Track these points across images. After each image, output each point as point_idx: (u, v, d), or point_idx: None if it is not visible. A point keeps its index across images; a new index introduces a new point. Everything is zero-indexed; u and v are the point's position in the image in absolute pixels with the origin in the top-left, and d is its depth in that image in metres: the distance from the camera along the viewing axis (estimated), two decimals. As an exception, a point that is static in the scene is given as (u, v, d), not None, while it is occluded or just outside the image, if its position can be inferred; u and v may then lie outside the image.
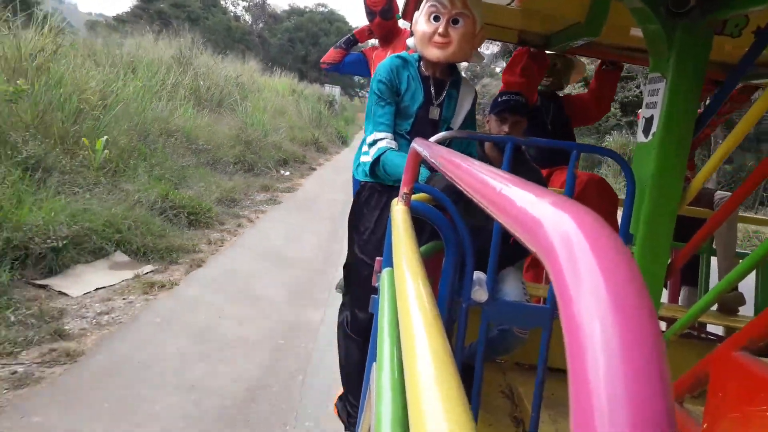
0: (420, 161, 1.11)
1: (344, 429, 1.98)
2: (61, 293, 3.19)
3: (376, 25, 3.06)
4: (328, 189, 8.21)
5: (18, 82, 4.56)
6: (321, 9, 44.60)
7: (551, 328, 1.55)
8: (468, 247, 1.46)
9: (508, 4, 2.05)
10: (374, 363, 0.88)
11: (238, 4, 40.99)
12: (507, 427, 1.86)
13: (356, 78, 41.19)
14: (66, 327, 2.81)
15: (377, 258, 1.41)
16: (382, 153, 1.67)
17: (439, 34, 1.69)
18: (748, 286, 2.40)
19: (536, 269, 2.77)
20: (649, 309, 0.19)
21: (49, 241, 3.34)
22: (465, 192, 0.51)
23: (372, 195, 1.86)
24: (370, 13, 3.03)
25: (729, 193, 2.79)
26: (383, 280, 1.06)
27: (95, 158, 4.80)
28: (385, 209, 1.79)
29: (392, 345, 0.72)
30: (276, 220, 5.80)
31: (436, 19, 1.70)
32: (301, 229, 5.65)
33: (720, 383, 1.07)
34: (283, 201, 6.92)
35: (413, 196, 1.25)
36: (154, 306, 3.25)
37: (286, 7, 48.86)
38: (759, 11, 1.39)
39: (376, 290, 1.32)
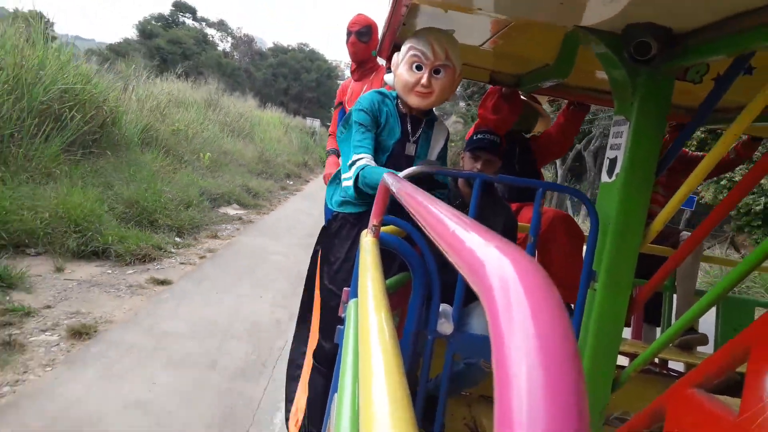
0: (389, 195, 1.11)
1: None
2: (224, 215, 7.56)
3: (350, 44, 3.17)
4: (321, 190, 12.81)
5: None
6: (303, 47, 49.90)
7: None
8: (435, 280, 1.48)
9: (481, 46, 2.09)
10: (335, 394, 0.90)
11: (227, 41, 45.92)
12: None
13: (332, 110, 45.25)
14: (218, 232, 6.76)
15: (345, 288, 1.43)
16: (362, 168, 1.69)
17: (422, 85, 1.74)
18: (706, 328, 2.50)
19: None
20: (573, 354, 0.21)
21: (210, 195, 7.73)
22: (423, 229, 0.53)
23: (343, 226, 1.89)
24: (348, 33, 3.16)
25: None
26: (349, 311, 1.07)
27: (205, 162, 9.21)
28: (356, 240, 1.81)
29: (354, 376, 0.73)
30: (295, 202, 10.38)
31: (419, 68, 1.74)
32: (310, 205, 9.77)
33: (676, 419, 1.10)
34: (295, 195, 11.40)
35: (383, 228, 1.26)
36: (258, 223, 7.53)
37: (271, 45, 54.05)
38: (717, 60, 1.46)
39: (342, 321, 1.32)
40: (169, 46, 37.45)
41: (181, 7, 44.99)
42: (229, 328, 3.48)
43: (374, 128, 1.81)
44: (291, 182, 13.51)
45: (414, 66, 1.74)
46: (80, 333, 2.98)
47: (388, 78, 1.89)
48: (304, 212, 8.98)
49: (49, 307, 3.28)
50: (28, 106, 5.27)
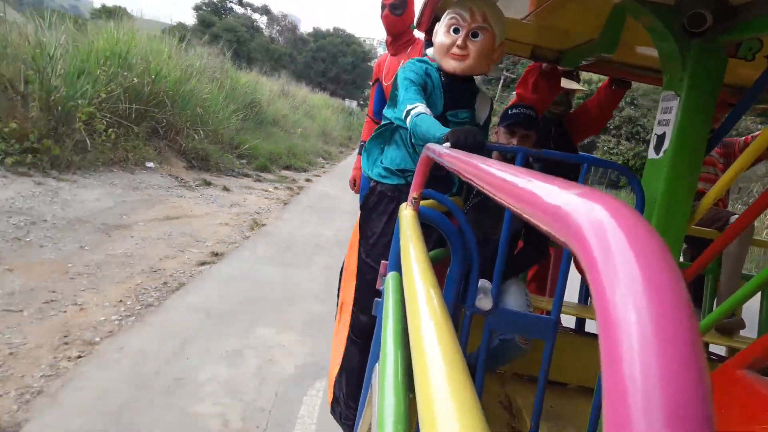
0: (430, 166, 1.11)
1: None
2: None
3: (384, 17, 3.08)
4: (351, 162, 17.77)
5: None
6: (340, 32, 55.89)
7: (554, 342, 1.55)
8: (474, 255, 1.47)
9: (523, 19, 2.04)
10: (377, 364, 0.90)
11: (273, 27, 52.15)
12: None
13: (367, 92, 52.71)
14: (297, 181, 13.05)
15: (383, 261, 1.44)
16: (417, 116, 1.60)
17: (457, 46, 1.70)
18: (752, 311, 2.44)
19: (539, 281, 2.84)
20: (686, 302, 0.19)
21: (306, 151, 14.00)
22: (486, 191, 0.49)
23: (381, 200, 1.88)
24: (382, 6, 3.08)
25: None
26: (388, 284, 1.09)
27: (298, 134, 15.56)
28: (393, 215, 1.82)
29: (396, 347, 0.74)
30: (349, 159, 16.44)
31: (456, 31, 1.70)
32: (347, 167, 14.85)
33: (723, 401, 1.08)
34: (348, 156, 17.76)
35: (422, 202, 1.25)
36: (336, 166, 13.98)
37: (310, 29, 60.07)
38: None
39: (379, 293, 1.33)
40: (225, 33, 44.05)
41: (228, -7, 51.42)
42: (334, 193, 9.62)
43: (422, 87, 1.74)
44: (342, 149, 19.85)
45: (451, 29, 1.71)
46: (294, 187, 9.36)
47: (429, 51, 1.85)
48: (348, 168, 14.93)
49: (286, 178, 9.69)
50: (234, 100, 11.60)
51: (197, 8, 48.34)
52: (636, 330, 0.18)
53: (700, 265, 2.06)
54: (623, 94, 2.85)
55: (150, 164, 7.04)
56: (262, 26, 50.78)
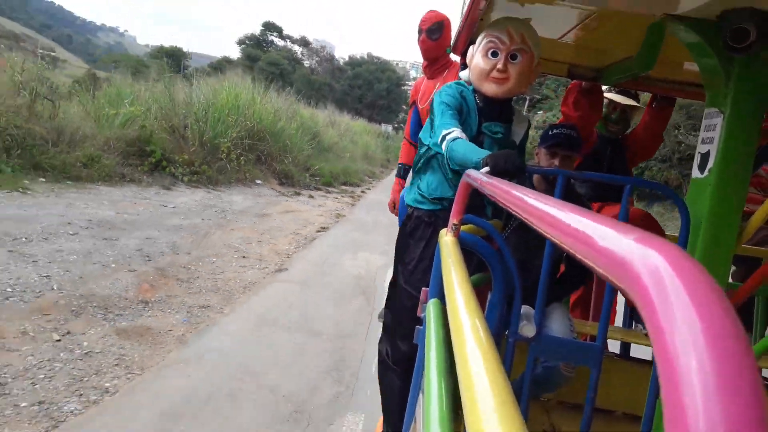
0: (470, 192, 1.11)
1: None
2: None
3: (421, 42, 3.11)
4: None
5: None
6: (375, 59, 60.16)
7: (600, 368, 1.55)
8: (516, 280, 1.48)
9: (559, 38, 2.07)
10: (420, 393, 0.91)
11: (313, 58, 56.78)
12: None
13: (401, 116, 56.83)
14: (355, 193, 16.36)
15: (423, 288, 1.43)
16: (453, 141, 1.60)
17: (498, 70, 1.71)
18: None
19: (583, 306, 2.81)
20: (747, 348, 0.19)
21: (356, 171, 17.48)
22: (535, 227, 0.48)
23: (418, 226, 1.90)
24: (419, 31, 3.12)
25: None
26: (429, 311, 1.09)
27: (347, 157, 19.04)
28: (431, 240, 1.82)
29: (440, 377, 0.74)
30: (389, 177, 19.86)
31: (494, 54, 1.71)
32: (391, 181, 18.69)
33: None
34: (389, 174, 21.13)
35: (462, 227, 1.26)
36: (379, 182, 17.52)
37: (345, 56, 64.55)
38: None
39: (420, 321, 1.34)
40: (268, 67, 48.52)
41: (269, 27, 56.22)
42: (382, 200, 12.72)
43: (458, 112, 1.75)
44: (382, 169, 23.25)
45: (490, 53, 1.72)
46: (354, 196, 12.69)
47: (464, 74, 1.86)
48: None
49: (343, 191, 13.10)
50: (304, 133, 15.15)
51: (241, 42, 53.19)
52: (698, 386, 0.18)
53: (751, 286, 2.00)
54: (669, 112, 2.83)
55: (258, 181, 10.49)
56: (302, 58, 55.26)
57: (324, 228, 7.72)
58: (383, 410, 2.05)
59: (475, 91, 1.83)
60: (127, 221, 5.66)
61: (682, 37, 1.49)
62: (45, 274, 3.71)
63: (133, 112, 8.33)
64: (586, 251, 0.32)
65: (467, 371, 0.51)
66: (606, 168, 2.78)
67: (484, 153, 1.45)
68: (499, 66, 1.72)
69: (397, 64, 66.70)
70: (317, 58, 55.99)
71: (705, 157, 1.53)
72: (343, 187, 13.50)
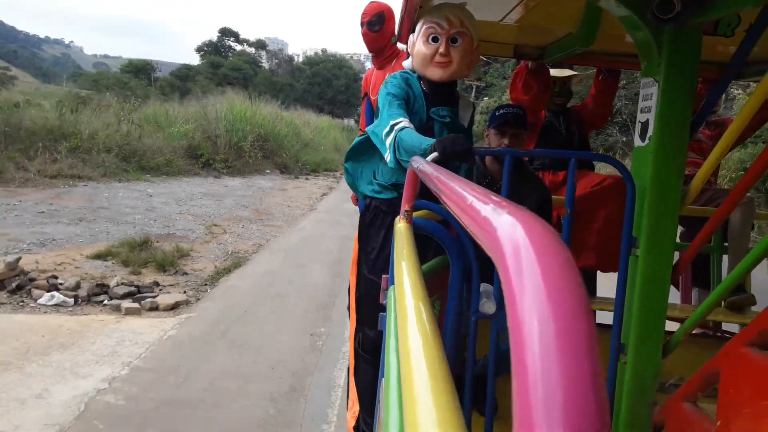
0: (418, 179, 1.13)
1: None
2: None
3: (363, 35, 3.18)
4: None
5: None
6: (331, 57, 64.46)
7: None
8: (473, 260, 1.52)
9: (501, 20, 2.14)
10: (383, 379, 0.95)
11: (272, 61, 60.71)
12: None
13: (360, 109, 59.63)
14: (335, 175, 20.97)
15: (384, 276, 1.50)
16: (401, 130, 1.68)
17: (441, 54, 1.79)
18: (763, 289, 2.61)
19: None
20: (585, 311, 0.21)
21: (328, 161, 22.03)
22: (445, 205, 0.55)
23: (377, 215, 1.98)
24: (361, 24, 3.18)
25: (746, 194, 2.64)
26: (390, 298, 1.12)
27: (322, 149, 23.52)
28: (391, 228, 1.83)
29: (397, 361, 0.74)
30: None
31: (435, 39, 1.80)
32: None
33: (731, 380, 1.11)
34: None
35: (416, 213, 1.29)
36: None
37: (300, 54, 68.69)
38: (748, 10, 1.46)
39: (384, 308, 1.36)
40: (231, 72, 52.20)
41: (225, 33, 59.83)
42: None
43: (404, 102, 1.82)
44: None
45: (430, 38, 1.80)
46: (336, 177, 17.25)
47: (407, 63, 1.95)
48: None
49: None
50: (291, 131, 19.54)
51: (199, 49, 56.80)
52: (537, 336, 0.20)
53: (699, 242, 2.04)
54: (615, 83, 3.01)
55: (267, 171, 14.95)
56: (262, 61, 59.28)
57: (324, 194, 12.33)
58: (358, 396, 2.13)
59: (419, 78, 1.92)
60: (217, 193, 10.15)
61: (615, 11, 1.55)
62: (204, 213, 8.22)
63: (187, 129, 12.76)
64: (473, 225, 0.36)
65: (407, 355, 0.53)
66: (564, 136, 2.90)
67: (430, 140, 1.55)
68: (441, 50, 1.80)
69: (351, 57, 70.99)
70: (276, 60, 60.10)
71: (645, 125, 1.59)
72: (326, 173, 18.00)
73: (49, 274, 4.61)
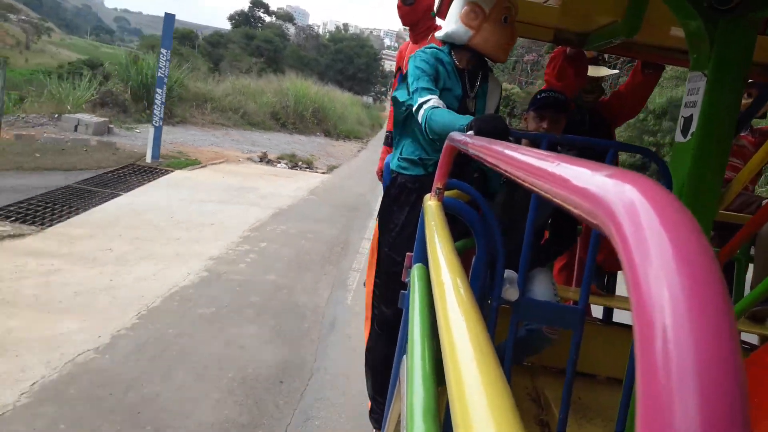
0: (454, 155, 1.15)
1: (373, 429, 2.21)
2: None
3: (398, 8, 3.20)
4: (384, 135, 34.22)
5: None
6: (354, 36, 71.67)
7: (582, 331, 1.62)
8: (500, 245, 1.55)
9: (545, 2, 2.14)
10: (404, 357, 0.95)
11: (300, 36, 67.81)
12: (533, 430, 1.97)
13: (378, 87, 69.43)
14: (363, 140, 28.51)
15: (408, 254, 1.50)
16: (431, 110, 1.71)
17: (512, 37, 1.83)
18: None
19: (568, 272, 3.00)
20: (719, 280, 0.19)
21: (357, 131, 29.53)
22: (514, 177, 0.51)
23: (402, 192, 2.01)
24: None
25: None
26: (414, 276, 1.14)
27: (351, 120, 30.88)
28: (415, 206, 1.92)
29: (424, 339, 0.79)
30: (379, 135, 31.27)
31: (506, 20, 1.81)
32: (383, 138, 31.05)
33: (755, 389, 1.11)
34: (375, 137, 32.86)
35: (446, 192, 1.30)
36: (373, 138, 29.16)
37: (320, 24, 75.53)
38: None
39: (404, 286, 1.40)
40: (264, 44, 59.27)
41: (256, 3, 66.84)
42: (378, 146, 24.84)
43: (434, 76, 1.83)
44: (371, 130, 35.26)
45: (504, 18, 1.80)
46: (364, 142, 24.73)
47: (440, 35, 1.95)
48: (383, 138, 30.24)
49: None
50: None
51: (231, 18, 63.94)
52: (669, 311, 0.19)
53: (730, 249, 2.03)
54: (656, 78, 2.96)
55: (318, 134, 22.52)
56: (290, 35, 66.67)
57: (360, 150, 19.85)
58: (371, 375, 2.20)
59: (451, 51, 1.93)
60: (298, 141, 17.66)
61: None
62: (303, 149, 15.73)
63: (272, 100, 20.24)
64: (564, 194, 0.33)
65: (450, 334, 0.53)
66: (588, 133, 2.88)
67: (466, 118, 1.56)
68: (513, 32, 1.83)
69: (371, 32, 77.67)
70: (304, 35, 67.52)
71: (688, 121, 1.58)
72: (355, 139, 25.42)
73: (266, 157, 12.13)
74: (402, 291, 1.50)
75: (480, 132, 1.44)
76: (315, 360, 3.31)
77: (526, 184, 0.46)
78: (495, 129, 1.46)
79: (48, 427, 2.37)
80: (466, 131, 1.49)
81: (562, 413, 1.66)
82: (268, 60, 49.06)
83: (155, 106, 9.17)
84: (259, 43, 59.49)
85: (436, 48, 1.98)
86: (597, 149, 2.34)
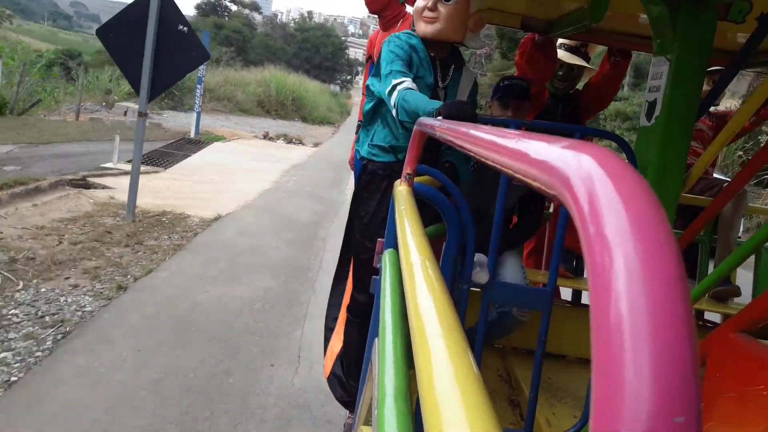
0: (424, 140, 1.18)
1: (343, 408, 2.32)
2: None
3: None
4: (353, 121, 34.72)
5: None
6: (321, 25, 75.38)
7: (550, 312, 1.68)
8: (470, 229, 1.58)
9: None
10: (376, 339, 0.98)
11: (267, 26, 71.19)
12: (504, 410, 2.04)
13: (344, 76, 73.36)
14: (335, 125, 32.69)
15: (379, 240, 1.56)
16: (405, 91, 1.76)
17: (428, 8, 1.89)
18: (747, 280, 2.85)
19: (536, 255, 3.11)
20: (672, 245, 0.20)
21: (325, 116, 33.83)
22: (477, 156, 0.54)
23: (373, 179, 2.07)
24: None
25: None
26: (385, 261, 1.17)
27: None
28: (387, 193, 1.96)
29: (395, 323, 0.81)
30: (350, 120, 34.43)
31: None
32: (353, 124, 32.56)
33: (718, 364, 1.18)
34: (347, 119, 36.15)
35: (415, 178, 1.34)
36: (344, 123, 33.14)
37: (283, 11, 78.89)
38: None
39: (376, 272, 1.41)
40: (233, 34, 62.25)
41: (221, -8, 70.00)
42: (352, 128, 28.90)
43: (407, 61, 1.88)
44: (341, 117, 39.30)
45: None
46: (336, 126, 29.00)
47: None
48: (352, 126, 31.39)
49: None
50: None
51: (198, 7, 66.65)
52: (624, 278, 0.19)
53: (692, 231, 2.12)
54: (625, 66, 3.05)
55: (297, 119, 26.66)
56: (257, 24, 69.80)
57: (333, 132, 24.03)
58: (344, 359, 2.28)
59: (424, 40, 1.99)
60: (282, 125, 21.76)
61: None
62: (288, 132, 19.92)
63: (257, 91, 24.26)
64: (523, 167, 0.34)
65: (419, 316, 0.54)
66: (560, 121, 2.97)
67: (436, 103, 1.61)
68: (429, 5, 1.89)
69: (335, 19, 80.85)
70: (271, 25, 70.92)
71: (652, 105, 1.64)
72: (328, 124, 29.50)
73: (268, 135, 16.27)
74: (374, 276, 1.54)
75: (448, 117, 1.48)
76: (336, 215, 7.56)
77: (490, 162, 0.49)
78: (463, 115, 1.51)
79: (255, 217, 6.62)
80: (435, 116, 1.53)
81: (532, 393, 1.68)
82: (237, 49, 51.83)
83: (196, 97, 13.26)
84: (228, 33, 62.04)
85: (410, 34, 2.04)
86: (563, 134, 2.36)
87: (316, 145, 17.30)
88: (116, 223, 5.65)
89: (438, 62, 2.05)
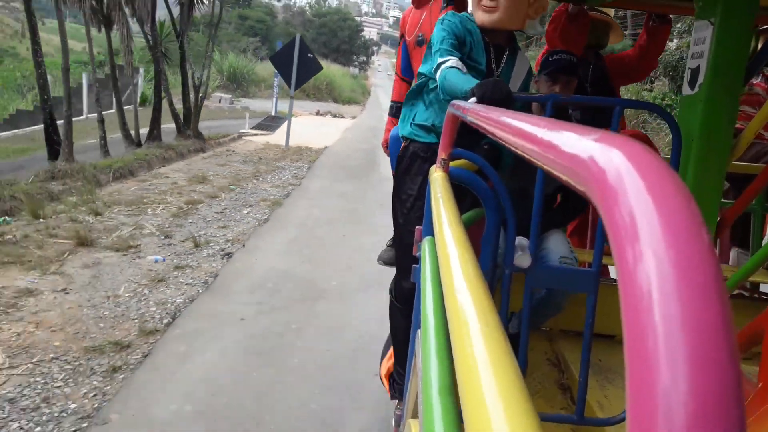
0: (458, 124, 1.16)
1: (390, 399, 2.36)
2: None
3: None
4: (377, 98, 38.41)
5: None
6: (338, 9, 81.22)
7: (597, 294, 1.66)
8: (509, 212, 1.58)
9: None
10: (419, 330, 0.98)
11: (288, 13, 77.44)
12: (554, 394, 2.04)
13: (361, 58, 78.76)
14: (361, 104, 39.28)
15: (417, 227, 1.55)
16: (448, 69, 1.75)
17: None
18: None
19: (579, 236, 3.10)
20: (708, 245, 0.19)
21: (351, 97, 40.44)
22: (507, 144, 0.54)
23: (413, 162, 2.07)
24: None
25: None
26: (424, 249, 1.18)
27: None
28: (428, 175, 1.89)
29: (436, 312, 0.82)
30: (373, 100, 40.54)
31: None
32: (375, 102, 37.77)
33: None
34: (370, 99, 42.68)
35: (452, 162, 1.33)
36: (368, 101, 39.35)
37: (307, 8, 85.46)
38: None
39: (417, 260, 1.40)
40: (257, 24, 68.45)
41: (241, -16, 76.05)
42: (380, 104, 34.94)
43: (459, 42, 1.87)
44: (363, 97, 45.71)
45: None
46: (362, 104, 35.63)
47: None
48: (375, 104, 34.66)
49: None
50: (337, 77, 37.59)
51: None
52: (655, 280, 0.19)
53: (744, 200, 2.06)
54: (666, 32, 2.98)
55: (330, 101, 33.32)
56: (277, 12, 75.96)
57: (362, 110, 30.73)
58: (393, 347, 2.31)
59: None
60: (321, 106, 28.38)
61: None
62: (329, 109, 26.50)
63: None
64: (553, 160, 0.34)
65: (456, 307, 0.55)
66: (589, 88, 2.89)
67: (472, 82, 1.58)
68: None
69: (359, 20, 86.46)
70: (291, 13, 77.32)
71: (695, 72, 1.60)
72: (355, 103, 36.06)
73: (320, 112, 22.95)
74: (414, 265, 1.55)
75: (482, 98, 1.46)
76: (380, 163, 14.06)
77: (518, 151, 0.48)
78: (497, 95, 1.48)
79: (339, 148, 13.60)
80: (469, 97, 1.52)
81: (582, 376, 1.67)
82: (261, 39, 57.41)
83: (274, 87, 19.91)
84: (252, 24, 68.16)
85: (468, 16, 2.02)
86: (602, 109, 2.49)
87: (353, 117, 24.17)
88: (282, 150, 12.44)
89: (492, 48, 2.06)
